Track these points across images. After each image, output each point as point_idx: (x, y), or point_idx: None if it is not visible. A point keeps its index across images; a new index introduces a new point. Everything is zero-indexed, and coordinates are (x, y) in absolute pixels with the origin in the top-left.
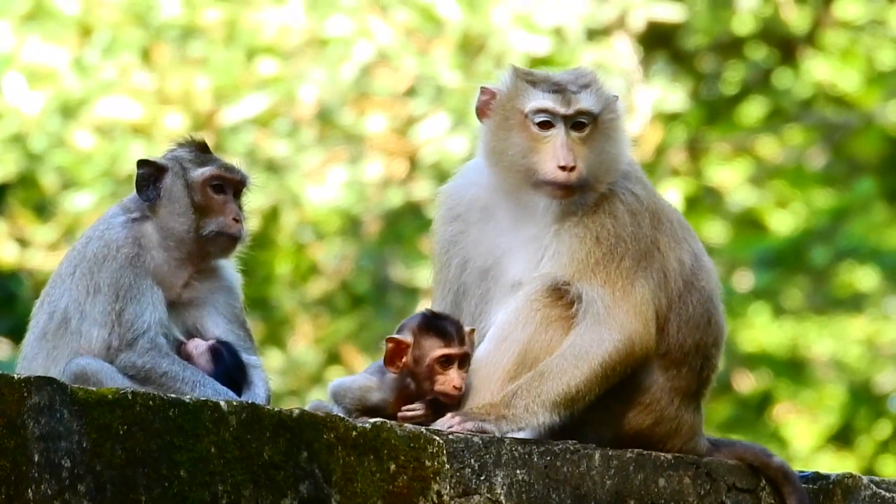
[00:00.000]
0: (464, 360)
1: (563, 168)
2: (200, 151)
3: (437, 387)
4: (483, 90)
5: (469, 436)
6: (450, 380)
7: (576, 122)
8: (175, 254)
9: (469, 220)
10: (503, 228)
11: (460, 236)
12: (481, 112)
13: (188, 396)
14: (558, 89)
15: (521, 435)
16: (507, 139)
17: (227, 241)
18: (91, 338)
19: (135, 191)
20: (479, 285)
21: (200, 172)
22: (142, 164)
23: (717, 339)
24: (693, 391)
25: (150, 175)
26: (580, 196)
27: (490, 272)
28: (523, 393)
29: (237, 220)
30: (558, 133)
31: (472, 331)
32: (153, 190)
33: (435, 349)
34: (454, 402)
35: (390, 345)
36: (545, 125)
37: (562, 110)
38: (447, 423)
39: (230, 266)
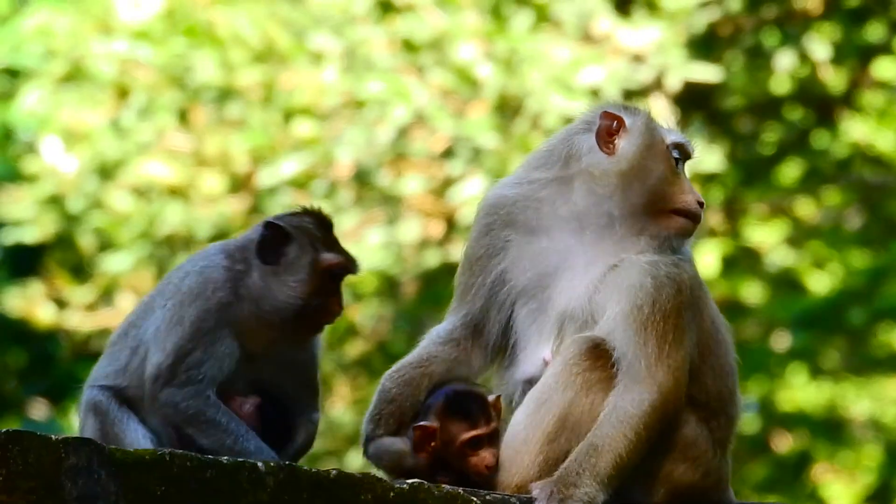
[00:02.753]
0: (493, 437)
1: (700, 204)
2: (326, 228)
3: (471, 468)
4: (606, 114)
5: (507, 496)
6: (481, 460)
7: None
8: (268, 317)
9: (524, 230)
10: (566, 247)
11: (509, 244)
12: (601, 136)
13: (225, 458)
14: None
15: None
16: (650, 164)
17: (322, 324)
18: (148, 360)
19: (255, 249)
20: (516, 301)
21: (329, 258)
22: (270, 226)
23: (737, 387)
24: (729, 440)
25: (274, 239)
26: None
27: (535, 291)
28: (584, 471)
29: (339, 308)
30: (684, 171)
31: (498, 398)
32: (273, 254)
33: (462, 433)
34: (489, 481)
35: (417, 433)
36: (678, 161)
37: (690, 150)
38: None
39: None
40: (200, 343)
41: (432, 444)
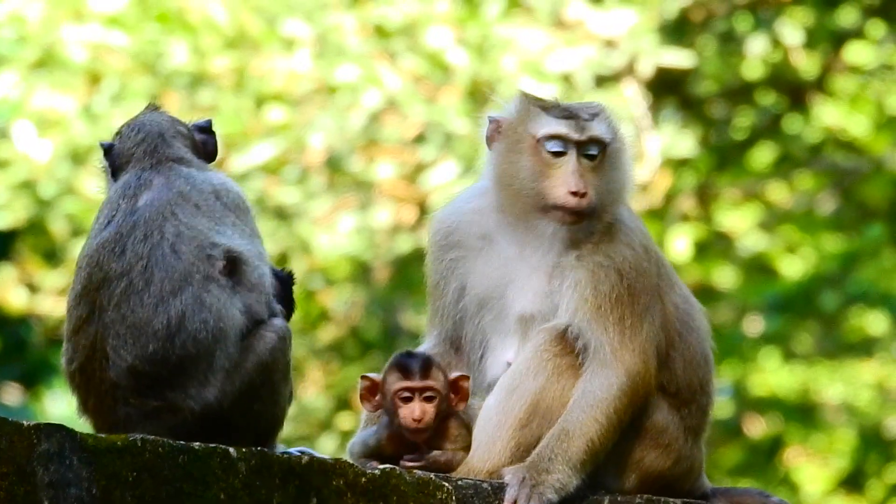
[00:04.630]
0: (427, 395)
1: (574, 194)
2: None
3: (400, 420)
4: (491, 120)
5: (478, 482)
6: (409, 412)
7: (587, 151)
8: None
9: (468, 246)
10: (507, 257)
11: (458, 263)
12: (490, 140)
13: (197, 444)
14: (570, 115)
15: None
16: (517, 163)
17: None
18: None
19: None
20: (478, 314)
21: None
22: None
23: (712, 376)
24: (702, 429)
25: None
26: (587, 223)
27: (491, 302)
28: (556, 456)
29: None
30: (570, 159)
31: (464, 377)
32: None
33: (395, 383)
34: (419, 437)
35: (364, 382)
36: (557, 152)
37: (575, 136)
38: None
39: None
40: None
41: (376, 397)
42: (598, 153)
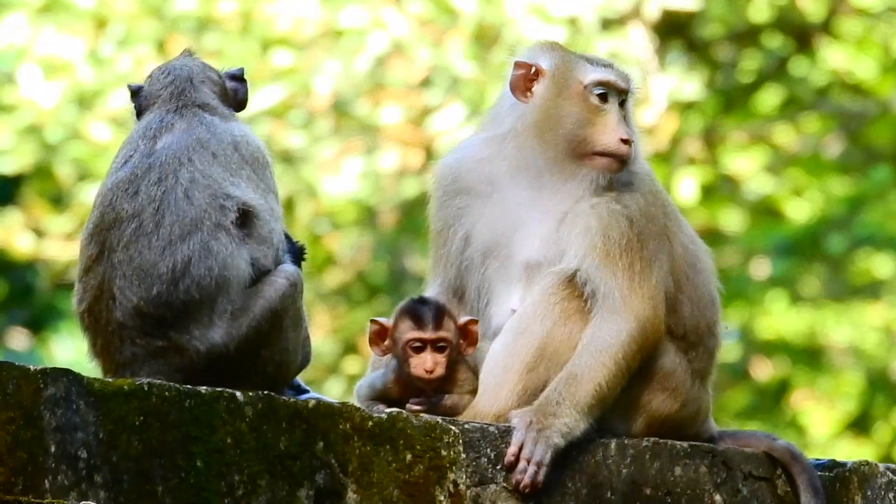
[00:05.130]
0: (439, 346)
1: (624, 141)
2: None
3: (410, 370)
4: (519, 64)
5: (485, 425)
6: (420, 362)
7: (622, 99)
8: None
9: (475, 193)
10: (516, 204)
11: (464, 210)
12: (517, 86)
13: (204, 388)
14: (610, 65)
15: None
16: (562, 109)
17: None
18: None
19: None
20: (482, 263)
21: None
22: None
23: (719, 318)
24: (709, 372)
25: None
26: (624, 173)
27: (496, 250)
28: (564, 400)
29: None
30: (613, 108)
31: (473, 321)
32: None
33: (407, 332)
34: (430, 386)
35: (373, 326)
36: (603, 98)
37: (621, 84)
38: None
39: None
40: None
41: (385, 342)
42: (625, 103)
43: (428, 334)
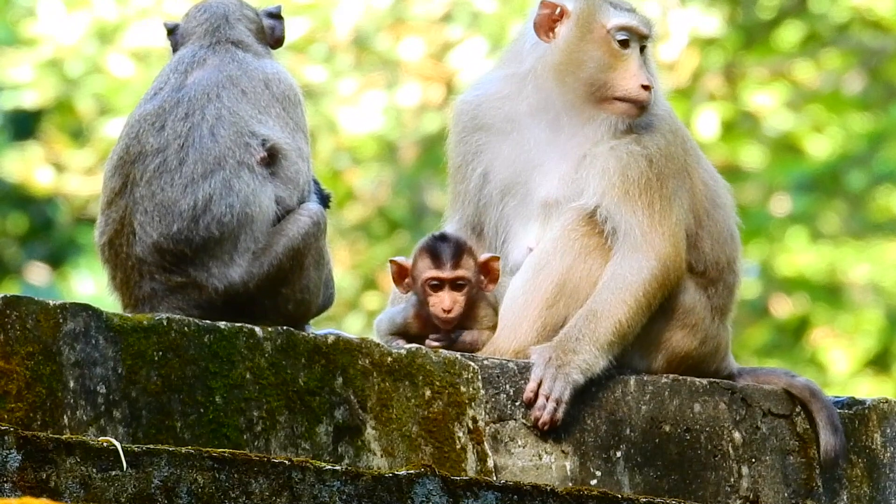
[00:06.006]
0: (457, 285)
1: (645, 87)
2: None
3: (430, 308)
4: (545, 4)
5: (504, 361)
6: (439, 301)
7: (643, 44)
8: None
9: (495, 130)
10: (536, 142)
11: (483, 147)
12: (541, 26)
13: (223, 323)
14: (633, 10)
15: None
16: (585, 52)
17: None
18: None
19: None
20: (501, 200)
21: None
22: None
23: (739, 254)
24: (728, 308)
25: None
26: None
27: (515, 188)
28: (583, 336)
29: None
30: (635, 53)
31: (495, 258)
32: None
33: (425, 271)
34: (448, 325)
35: (393, 267)
36: (624, 44)
37: (643, 30)
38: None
39: None
40: None
41: (406, 280)
42: (646, 47)
43: (446, 273)
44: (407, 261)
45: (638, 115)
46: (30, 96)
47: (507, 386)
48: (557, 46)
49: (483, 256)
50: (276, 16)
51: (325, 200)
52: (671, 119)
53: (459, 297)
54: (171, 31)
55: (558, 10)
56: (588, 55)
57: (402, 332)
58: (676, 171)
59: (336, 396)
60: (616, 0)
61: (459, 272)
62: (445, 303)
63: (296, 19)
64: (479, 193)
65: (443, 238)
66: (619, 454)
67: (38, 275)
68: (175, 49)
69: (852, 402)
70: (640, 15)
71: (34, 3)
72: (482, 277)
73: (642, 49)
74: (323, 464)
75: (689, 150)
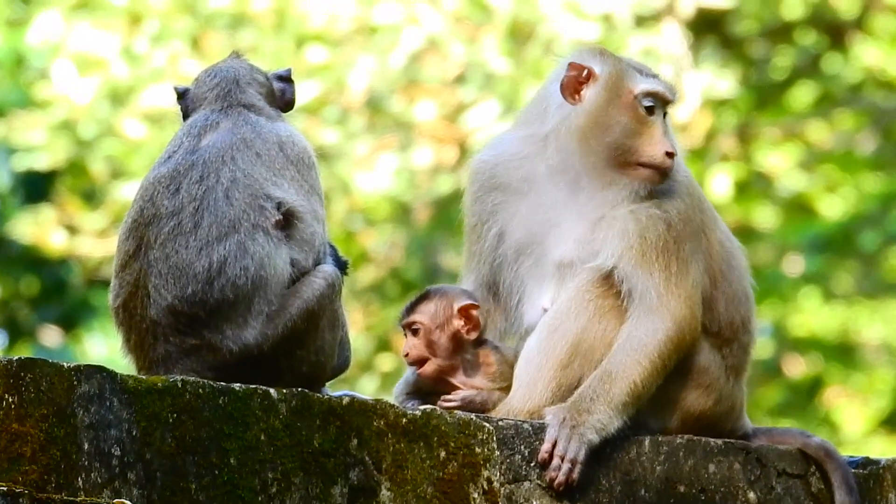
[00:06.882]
0: (413, 330)
1: (669, 155)
2: None
3: None
4: (573, 66)
5: (519, 422)
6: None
7: (667, 110)
8: None
9: (510, 190)
10: (552, 203)
11: (500, 206)
12: (567, 88)
13: (237, 385)
14: (657, 76)
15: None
16: (610, 117)
17: None
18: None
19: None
20: (516, 260)
21: None
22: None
23: (753, 314)
24: (743, 368)
25: None
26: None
27: (530, 247)
28: (598, 397)
29: None
30: (659, 119)
31: (473, 306)
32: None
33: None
34: (423, 373)
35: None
36: (650, 110)
37: (669, 97)
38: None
39: None
40: None
41: None
42: (666, 113)
43: (404, 320)
44: None
45: (660, 182)
46: (43, 158)
47: (522, 447)
48: (584, 109)
49: (460, 303)
50: (286, 79)
51: (342, 267)
52: (690, 183)
53: (416, 342)
54: (182, 95)
55: (585, 72)
56: (614, 119)
57: (415, 390)
58: (693, 233)
59: (351, 458)
60: (640, 64)
61: (412, 317)
62: (404, 347)
63: (308, 81)
64: (494, 253)
65: (426, 292)
66: None
67: (50, 337)
68: (186, 113)
69: (867, 462)
70: (665, 81)
71: (48, 65)
72: (461, 323)
73: (664, 115)
74: None
75: (706, 211)
